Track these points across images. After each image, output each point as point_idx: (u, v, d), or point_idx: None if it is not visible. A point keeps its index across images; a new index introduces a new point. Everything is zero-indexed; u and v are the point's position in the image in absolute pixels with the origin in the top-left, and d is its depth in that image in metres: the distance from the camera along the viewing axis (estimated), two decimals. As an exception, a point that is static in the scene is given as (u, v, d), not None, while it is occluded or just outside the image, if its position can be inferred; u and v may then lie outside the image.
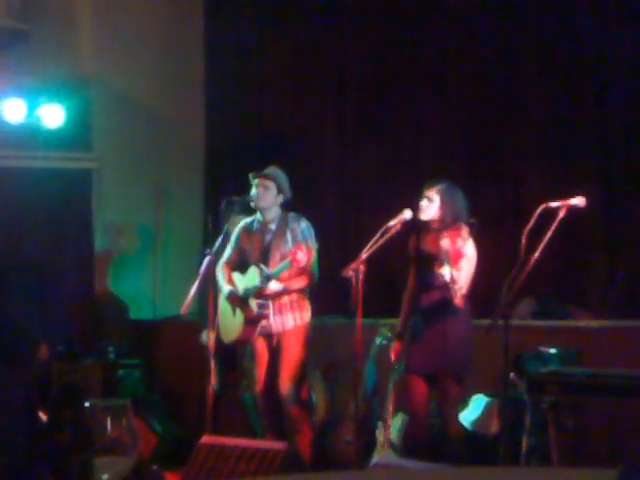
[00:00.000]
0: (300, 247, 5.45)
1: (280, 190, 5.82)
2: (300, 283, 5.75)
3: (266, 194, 5.80)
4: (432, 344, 5.18)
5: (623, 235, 6.96)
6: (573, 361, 5.69)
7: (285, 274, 5.66)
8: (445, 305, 5.05)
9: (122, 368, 7.47)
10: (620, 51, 7.03)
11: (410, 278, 5.45)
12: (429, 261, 5.12)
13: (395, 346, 5.47)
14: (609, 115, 7.12)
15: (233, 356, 6.47)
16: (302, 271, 5.63)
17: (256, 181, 5.83)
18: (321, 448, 6.04)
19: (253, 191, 5.82)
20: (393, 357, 5.48)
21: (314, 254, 5.60)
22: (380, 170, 8.01)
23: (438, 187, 5.28)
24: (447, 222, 5.20)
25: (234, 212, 6.53)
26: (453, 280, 4.84)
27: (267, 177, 5.83)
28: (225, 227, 6.19)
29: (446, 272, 4.84)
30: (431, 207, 5.25)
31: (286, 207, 5.90)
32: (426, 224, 5.31)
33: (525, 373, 5.27)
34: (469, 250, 5.09)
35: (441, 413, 5.31)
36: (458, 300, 4.85)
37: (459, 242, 4.88)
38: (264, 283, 5.63)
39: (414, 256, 5.40)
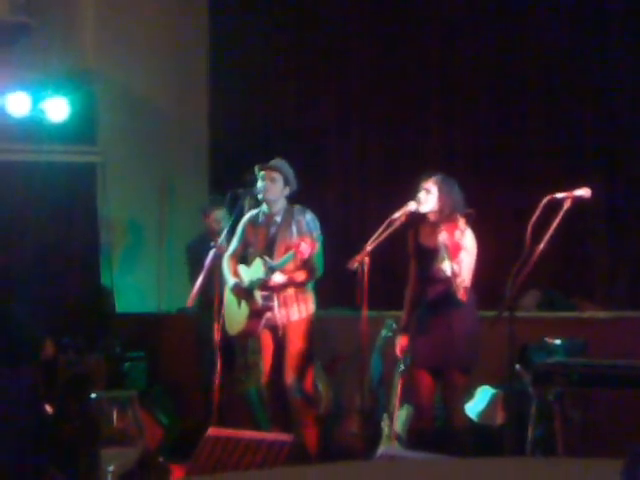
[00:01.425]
0: (304, 239, 5.45)
1: (287, 182, 5.82)
2: (303, 276, 5.74)
3: (273, 186, 5.79)
4: (438, 337, 5.18)
5: (628, 226, 6.95)
6: (578, 352, 5.69)
7: (290, 266, 5.66)
8: (450, 298, 5.04)
9: (128, 361, 7.49)
10: (622, 46, 7.02)
11: (411, 272, 5.45)
12: (430, 255, 5.11)
13: (401, 340, 5.47)
14: (614, 106, 7.11)
15: (233, 351, 6.48)
16: (305, 263, 5.63)
17: (262, 174, 5.82)
18: (327, 440, 6.05)
19: (260, 184, 5.81)
20: (399, 351, 5.48)
21: (318, 246, 5.60)
22: (384, 163, 8.01)
23: (435, 178, 5.27)
24: (445, 213, 5.18)
25: (216, 210, 6.58)
26: (454, 274, 4.83)
27: (274, 169, 5.82)
28: (231, 220, 6.20)
29: (447, 267, 4.83)
30: (429, 198, 5.24)
31: (291, 200, 5.90)
32: (424, 217, 5.30)
33: (530, 364, 5.27)
34: (468, 241, 5.08)
35: (446, 405, 5.30)
36: (461, 294, 4.84)
37: (457, 234, 4.87)
38: (268, 275, 5.63)
39: (414, 250, 5.40)
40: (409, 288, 5.46)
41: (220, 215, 6.67)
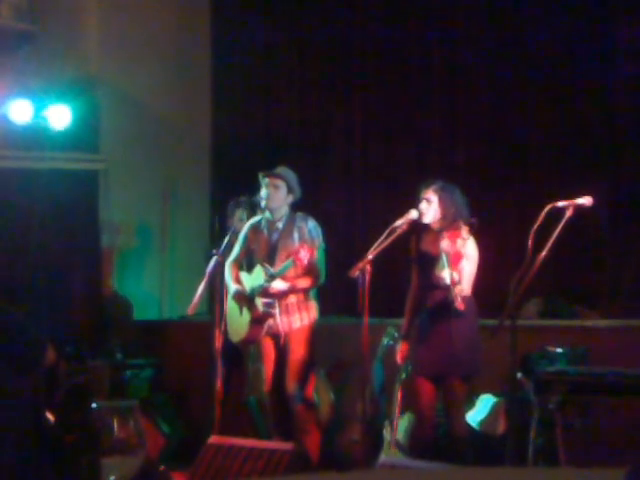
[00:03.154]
0: (303, 246, 5.45)
1: (290, 190, 5.82)
2: (305, 283, 5.75)
3: (276, 194, 5.79)
4: (438, 345, 5.17)
5: (630, 234, 6.95)
6: (580, 361, 5.69)
7: (291, 273, 5.66)
8: (450, 306, 5.04)
9: (129, 369, 7.48)
10: (626, 52, 7.03)
11: (413, 279, 5.45)
12: (431, 262, 5.11)
13: (401, 347, 5.47)
14: (616, 113, 7.11)
15: (239, 357, 6.47)
16: (306, 270, 5.63)
17: (266, 181, 5.82)
18: (328, 448, 6.04)
19: (263, 191, 5.81)
20: (399, 358, 5.48)
21: (317, 253, 5.59)
22: (387, 170, 8.01)
23: (435, 187, 5.27)
24: (447, 221, 5.19)
25: (239, 209, 6.52)
26: (453, 282, 4.82)
27: (277, 177, 5.82)
28: (232, 227, 6.19)
29: (446, 275, 4.83)
30: (430, 208, 5.25)
31: (293, 207, 5.90)
32: (426, 225, 5.30)
33: (532, 373, 5.26)
34: (470, 249, 5.08)
35: (447, 413, 5.30)
36: (459, 303, 4.83)
37: (459, 242, 4.87)
38: (269, 282, 5.63)
39: (416, 257, 5.40)
40: (410, 295, 5.46)
41: (241, 215, 6.57)
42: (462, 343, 5.13)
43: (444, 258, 4.84)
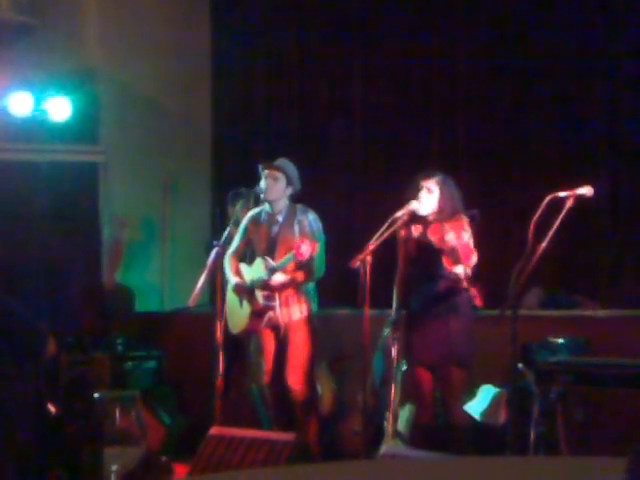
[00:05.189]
0: (304, 240, 5.44)
1: (289, 182, 5.81)
2: (304, 276, 5.74)
3: (275, 186, 5.79)
4: (434, 336, 5.18)
5: (631, 224, 6.95)
6: (581, 351, 5.69)
7: (291, 266, 5.66)
8: (448, 296, 5.04)
9: (131, 360, 7.49)
10: (628, 40, 7.02)
11: (400, 266, 5.41)
12: (432, 252, 5.10)
13: (392, 334, 5.43)
14: (617, 103, 7.10)
15: (240, 347, 6.48)
16: (304, 265, 5.61)
17: (265, 172, 5.82)
18: (329, 439, 6.05)
19: (262, 182, 5.81)
20: (391, 343, 5.46)
21: (318, 247, 5.58)
22: (387, 161, 8.01)
23: (436, 178, 5.26)
24: (446, 213, 5.18)
25: (240, 201, 6.51)
26: (467, 278, 4.83)
27: (276, 169, 5.81)
28: (232, 218, 6.19)
29: (460, 270, 4.83)
30: (431, 198, 5.24)
31: (294, 199, 5.89)
32: (421, 216, 5.28)
33: (533, 363, 5.27)
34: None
35: (445, 402, 5.31)
36: (478, 301, 4.84)
37: (464, 236, 4.86)
38: (269, 275, 5.63)
39: (408, 247, 5.35)
40: (398, 282, 5.41)
41: (241, 206, 6.56)
42: (460, 333, 5.14)
43: (454, 253, 4.84)
